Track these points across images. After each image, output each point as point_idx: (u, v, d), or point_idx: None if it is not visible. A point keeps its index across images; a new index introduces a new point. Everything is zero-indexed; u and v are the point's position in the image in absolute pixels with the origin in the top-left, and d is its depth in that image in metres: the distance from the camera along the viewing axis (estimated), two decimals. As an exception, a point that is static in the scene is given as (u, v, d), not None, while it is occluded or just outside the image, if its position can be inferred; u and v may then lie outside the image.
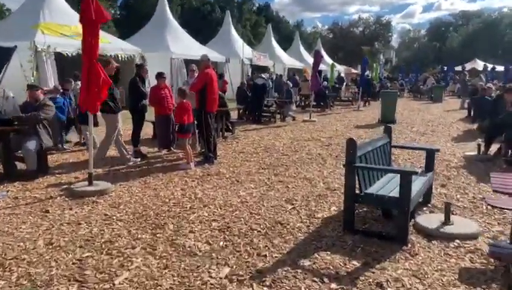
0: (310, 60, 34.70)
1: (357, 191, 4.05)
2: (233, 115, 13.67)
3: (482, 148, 7.79)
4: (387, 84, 30.44)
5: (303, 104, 18.72)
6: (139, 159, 7.21)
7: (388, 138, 5.08)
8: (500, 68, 38.16)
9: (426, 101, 24.59)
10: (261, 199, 5.13)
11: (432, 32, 73.47)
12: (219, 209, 4.72)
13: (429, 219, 4.30)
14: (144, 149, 8.08)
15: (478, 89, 15.01)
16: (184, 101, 6.74)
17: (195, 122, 7.34)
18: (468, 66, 41.23)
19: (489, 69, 35.86)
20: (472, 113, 15.13)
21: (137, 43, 18.56)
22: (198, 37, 32.07)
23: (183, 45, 21.28)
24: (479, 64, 41.18)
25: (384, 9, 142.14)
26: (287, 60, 31.39)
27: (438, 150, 5.07)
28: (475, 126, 12.24)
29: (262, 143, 9.34)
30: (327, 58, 35.89)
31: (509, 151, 7.34)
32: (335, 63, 29.77)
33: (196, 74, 7.88)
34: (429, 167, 4.97)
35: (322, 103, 17.69)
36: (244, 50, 25.85)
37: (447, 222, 4.14)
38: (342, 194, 5.28)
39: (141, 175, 6.29)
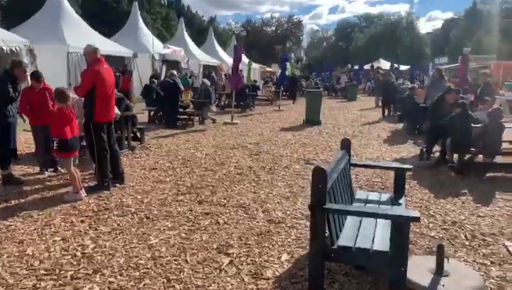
0: (225, 56, 33.49)
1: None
2: (142, 118, 11.83)
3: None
4: (302, 83, 30.49)
5: (222, 104, 17.34)
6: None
7: (348, 155, 3.89)
8: (404, 67, 40.69)
9: (342, 100, 24.76)
10: (182, 249, 3.61)
11: (339, 32, 76.74)
12: (118, 277, 3.11)
13: (417, 267, 3.16)
14: (19, 171, 6.05)
15: (393, 87, 14.99)
16: (65, 107, 4.90)
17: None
18: (374, 65, 43.34)
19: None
20: (387, 112, 15.08)
21: (26, 34, 15.58)
22: (103, 29, 28.97)
23: (83, 37, 18.54)
24: (383, 64, 43.48)
25: (294, 9, 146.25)
26: (202, 56, 29.71)
27: (409, 169, 4.02)
28: (400, 126, 11.95)
29: (180, 154, 7.74)
30: (243, 57, 34.89)
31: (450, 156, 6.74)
32: (251, 62, 28.83)
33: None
34: (400, 190, 3.88)
35: (242, 103, 16.47)
36: (155, 44, 23.68)
37: (440, 271, 3.04)
38: (289, 229, 4.00)
39: (5, 216, 4.37)
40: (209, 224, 4.21)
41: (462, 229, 4.16)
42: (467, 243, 3.84)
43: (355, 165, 4.53)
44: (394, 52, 56.73)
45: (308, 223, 4.18)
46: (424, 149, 7.20)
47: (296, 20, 75.23)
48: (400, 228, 2.51)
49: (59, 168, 6.12)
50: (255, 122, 13.22)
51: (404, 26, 66.87)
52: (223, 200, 5.01)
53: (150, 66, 22.98)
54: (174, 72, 12.29)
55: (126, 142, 7.83)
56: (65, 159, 4.97)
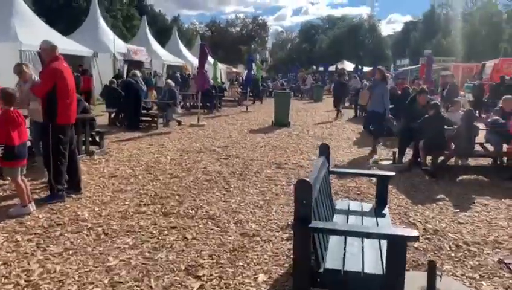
0: (190, 56, 32.82)
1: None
2: (102, 121, 11.17)
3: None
4: (268, 84, 30.34)
5: (188, 105, 16.80)
6: None
7: (327, 163, 3.59)
8: (367, 68, 41.43)
9: (308, 101, 24.77)
10: (145, 272, 3.18)
11: (303, 34, 77.47)
12: (69, 311, 2.65)
13: (407, 286, 2.89)
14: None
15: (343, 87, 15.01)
16: (11, 109, 4.33)
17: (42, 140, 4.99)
18: (338, 66, 43.91)
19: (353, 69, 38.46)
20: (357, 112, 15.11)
21: (-29, 30, 14.49)
22: (59, 26, 27.57)
23: (37, 34, 17.46)
24: (347, 65, 44.13)
25: (258, 10, 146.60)
26: (166, 56, 28.92)
27: (390, 177, 3.76)
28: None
29: (143, 159, 7.23)
30: (209, 57, 34.31)
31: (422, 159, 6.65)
32: (217, 62, 28.34)
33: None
34: (382, 199, 3.62)
35: (208, 104, 15.99)
36: (116, 43, 22.73)
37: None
38: (265, 243, 3.67)
39: None
40: (176, 240, 3.79)
41: (445, 239, 3.96)
42: (453, 254, 3.63)
43: (335, 173, 4.25)
44: (357, 54, 57.83)
45: (284, 236, 3.87)
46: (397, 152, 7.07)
47: (261, 21, 75.24)
48: (397, 248, 2.22)
49: (4, 178, 5.48)
50: (223, 124, 12.82)
51: (366, 29, 68.45)
52: (190, 211, 4.59)
53: (111, 66, 22.05)
54: (137, 72, 11.68)
55: (84, 147, 7.24)
56: (11, 168, 4.38)
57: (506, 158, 6.68)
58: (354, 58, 52.41)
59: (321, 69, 42.79)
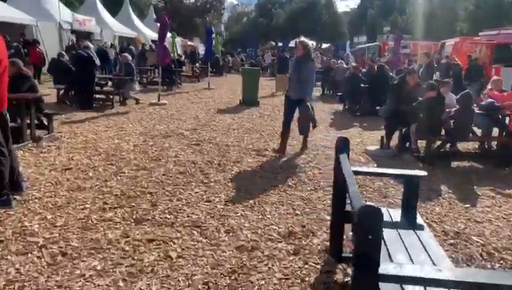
0: (143, 27, 30.80)
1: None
2: (50, 99, 9.86)
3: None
4: (229, 59, 29.18)
5: (145, 80, 15.51)
6: None
7: (347, 159, 2.90)
8: (325, 45, 41.19)
9: (270, 78, 24.01)
10: (123, 314, 2.39)
11: (259, 8, 75.78)
12: None
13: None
14: None
15: (332, 68, 14.48)
16: None
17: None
18: (294, 42, 43.25)
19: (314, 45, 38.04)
20: (328, 91, 14.62)
21: None
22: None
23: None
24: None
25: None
26: (116, 27, 26.87)
27: (421, 177, 3.14)
28: (340, 107, 11.42)
29: (101, 146, 6.23)
30: (163, 28, 32.33)
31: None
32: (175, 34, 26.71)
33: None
34: (412, 204, 3.00)
35: (167, 80, 14.82)
36: (62, 11, 20.62)
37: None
38: (268, 259, 3.00)
39: None
40: (157, 260, 2.99)
41: (471, 244, 3.46)
42: (489, 266, 3.12)
43: (359, 173, 3.59)
44: (314, 30, 57.39)
45: (290, 248, 3.20)
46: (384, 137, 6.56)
47: (216, -8, 72.40)
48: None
49: None
50: (186, 102, 11.83)
51: (323, 4, 68.01)
52: (168, 215, 3.78)
53: (56, 37, 20.06)
54: (89, 43, 10.35)
55: (29, 132, 6.11)
56: None
57: (496, 142, 6.37)
58: (312, 34, 51.99)
59: (280, 44, 42.02)
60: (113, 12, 31.34)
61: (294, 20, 62.69)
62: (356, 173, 3.01)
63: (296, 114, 6.41)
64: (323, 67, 15.36)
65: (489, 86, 6.77)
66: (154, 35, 24.23)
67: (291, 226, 3.64)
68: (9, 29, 17.32)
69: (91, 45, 10.48)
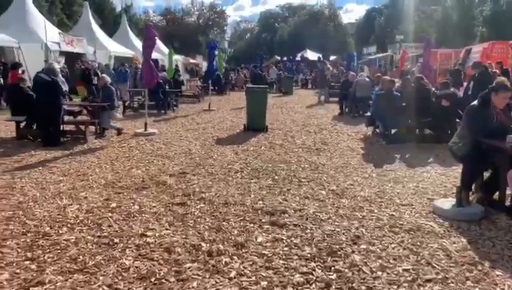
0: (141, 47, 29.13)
1: None
2: (9, 134, 7.88)
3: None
4: (231, 76, 27.23)
5: (135, 105, 13.52)
6: None
7: None
8: (333, 57, 39.25)
9: (276, 94, 22.05)
10: None
11: (262, 23, 74.49)
12: None
13: None
14: None
15: (350, 82, 12.39)
16: None
17: None
18: (300, 55, 41.31)
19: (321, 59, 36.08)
20: (345, 109, 12.47)
21: None
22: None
23: None
24: (310, 54, 41.70)
25: (217, 1, 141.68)
26: (112, 46, 25.18)
27: None
28: (368, 130, 9.26)
29: (35, 216, 4.09)
30: (163, 48, 30.68)
31: None
32: (173, 52, 24.90)
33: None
34: None
35: (161, 102, 12.78)
36: (49, 32, 18.90)
37: None
38: None
39: None
40: None
41: None
42: None
43: None
44: (319, 43, 55.66)
45: None
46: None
47: (218, 9, 71.43)
48: None
49: None
50: (179, 129, 9.77)
51: (327, 17, 66.41)
52: None
53: (42, 59, 18.30)
54: (55, 64, 8.37)
55: None
56: None
57: None
58: (317, 47, 50.21)
59: (285, 58, 40.18)
60: (111, 33, 29.77)
61: (298, 34, 61.07)
62: None
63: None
64: (342, 81, 13.29)
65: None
66: (154, 55, 22.50)
67: None
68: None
69: (57, 66, 8.47)
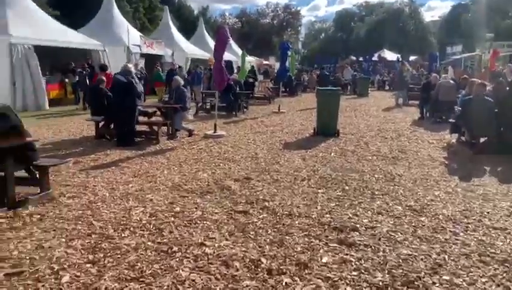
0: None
1: None
2: (89, 133, 8.32)
3: None
4: (304, 77, 26.77)
5: (207, 106, 13.73)
6: None
7: None
8: (413, 57, 37.07)
9: (350, 96, 21.28)
10: None
11: (338, 22, 72.80)
12: None
13: None
14: None
15: (432, 84, 11.44)
16: None
17: None
18: (377, 55, 39.55)
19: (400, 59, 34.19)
20: (425, 114, 11.53)
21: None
22: (73, 19, 25.22)
23: (34, 26, 14.94)
24: (388, 54, 39.74)
25: (292, 1, 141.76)
26: (189, 49, 26.07)
27: None
28: (451, 137, 8.41)
29: (101, 217, 4.16)
30: (237, 49, 31.17)
31: None
32: (246, 53, 25.13)
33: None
34: None
35: (231, 104, 12.83)
36: (131, 35, 20.04)
37: None
38: None
39: None
40: None
41: None
42: None
43: None
44: (398, 42, 52.98)
45: None
46: None
47: (293, 9, 71.17)
48: None
49: None
50: (248, 132, 9.67)
51: (407, 14, 63.07)
52: None
53: (125, 61, 19.44)
54: (130, 66, 8.70)
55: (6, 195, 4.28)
56: None
57: None
58: (395, 46, 47.80)
59: (361, 59, 38.76)
60: (189, 36, 30.93)
61: (375, 33, 58.69)
62: None
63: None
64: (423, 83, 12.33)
65: None
66: (228, 56, 22.86)
67: None
68: (74, 54, 16.96)
69: (132, 68, 8.80)
